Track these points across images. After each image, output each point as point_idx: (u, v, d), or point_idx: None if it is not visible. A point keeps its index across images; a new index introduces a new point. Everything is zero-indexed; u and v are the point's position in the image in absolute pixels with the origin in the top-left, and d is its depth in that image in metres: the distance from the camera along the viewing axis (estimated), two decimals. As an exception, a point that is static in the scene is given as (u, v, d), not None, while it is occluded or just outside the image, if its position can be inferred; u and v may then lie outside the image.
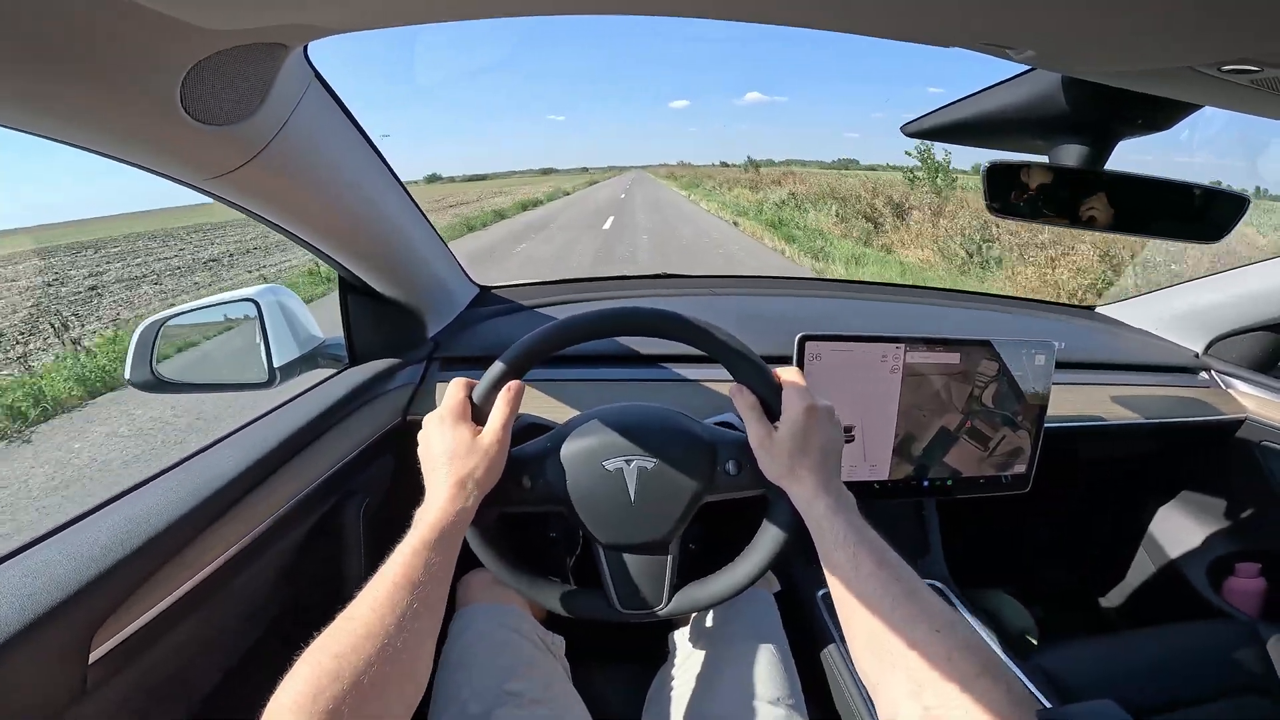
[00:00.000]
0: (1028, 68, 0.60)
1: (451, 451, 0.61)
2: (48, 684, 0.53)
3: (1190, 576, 1.29)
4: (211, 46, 0.45)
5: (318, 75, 0.64)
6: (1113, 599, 1.47)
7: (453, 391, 0.65)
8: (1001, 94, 0.66)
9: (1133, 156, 0.64)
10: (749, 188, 29.94)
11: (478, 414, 0.65)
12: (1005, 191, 0.64)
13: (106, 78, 0.44)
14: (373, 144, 0.82)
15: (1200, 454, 1.31)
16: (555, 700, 0.78)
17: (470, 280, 1.29)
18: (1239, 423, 1.19)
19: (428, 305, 1.09)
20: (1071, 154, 0.64)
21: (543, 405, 1.01)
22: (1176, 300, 1.35)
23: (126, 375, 0.95)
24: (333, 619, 0.50)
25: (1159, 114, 0.60)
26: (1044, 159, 0.66)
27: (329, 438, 0.89)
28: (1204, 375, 1.28)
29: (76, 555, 0.57)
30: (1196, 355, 1.31)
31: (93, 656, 0.56)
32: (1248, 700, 0.98)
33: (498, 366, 0.65)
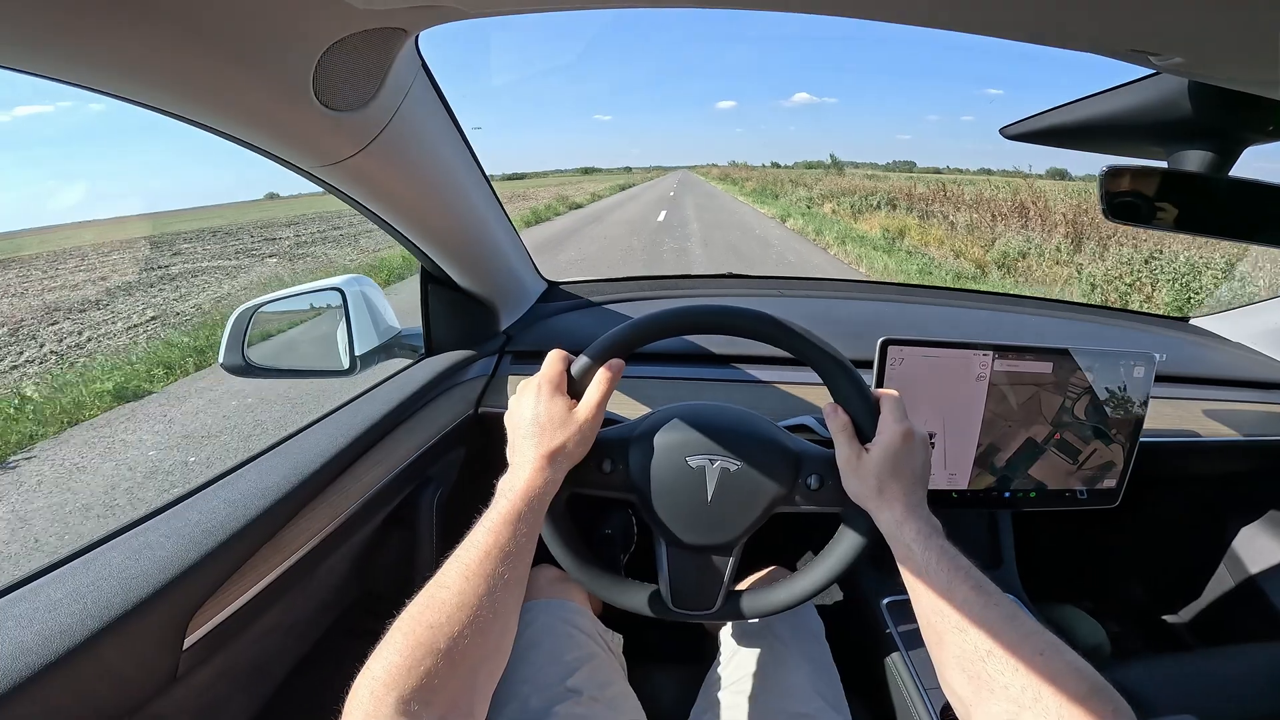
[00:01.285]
0: (1150, 71, 0.57)
1: (545, 421, 0.60)
2: (142, 670, 0.53)
3: (1272, 596, 1.23)
4: (348, 27, 0.46)
5: (424, 65, 0.65)
6: (1189, 616, 1.40)
7: (551, 362, 0.64)
8: (1118, 98, 0.63)
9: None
10: (911, 210, 15.83)
11: (573, 388, 0.64)
12: (1122, 196, 0.62)
13: (248, 57, 0.45)
14: (465, 137, 0.83)
15: None
16: (613, 699, 0.79)
17: (540, 275, 1.31)
18: None
19: (502, 298, 1.11)
20: (1194, 160, 0.61)
21: (613, 401, 1.01)
22: (1276, 314, 1.28)
23: (220, 360, 0.99)
24: (401, 610, 0.49)
25: (1293, 120, 0.57)
26: (1163, 164, 0.64)
27: (408, 426, 0.91)
28: None
29: (179, 536, 0.58)
30: None
31: (187, 643, 0.56)
32: None
33: (603, 341, 0.64)
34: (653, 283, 1.41)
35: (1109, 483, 0.91)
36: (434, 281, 1.01)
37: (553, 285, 1.34)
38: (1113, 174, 0.61)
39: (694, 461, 0.67)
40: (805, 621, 0.90)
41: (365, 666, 0.44)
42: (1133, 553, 1.49)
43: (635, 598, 0.71)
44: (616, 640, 0.91)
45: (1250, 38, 0.37)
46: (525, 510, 0.55)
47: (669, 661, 0.96)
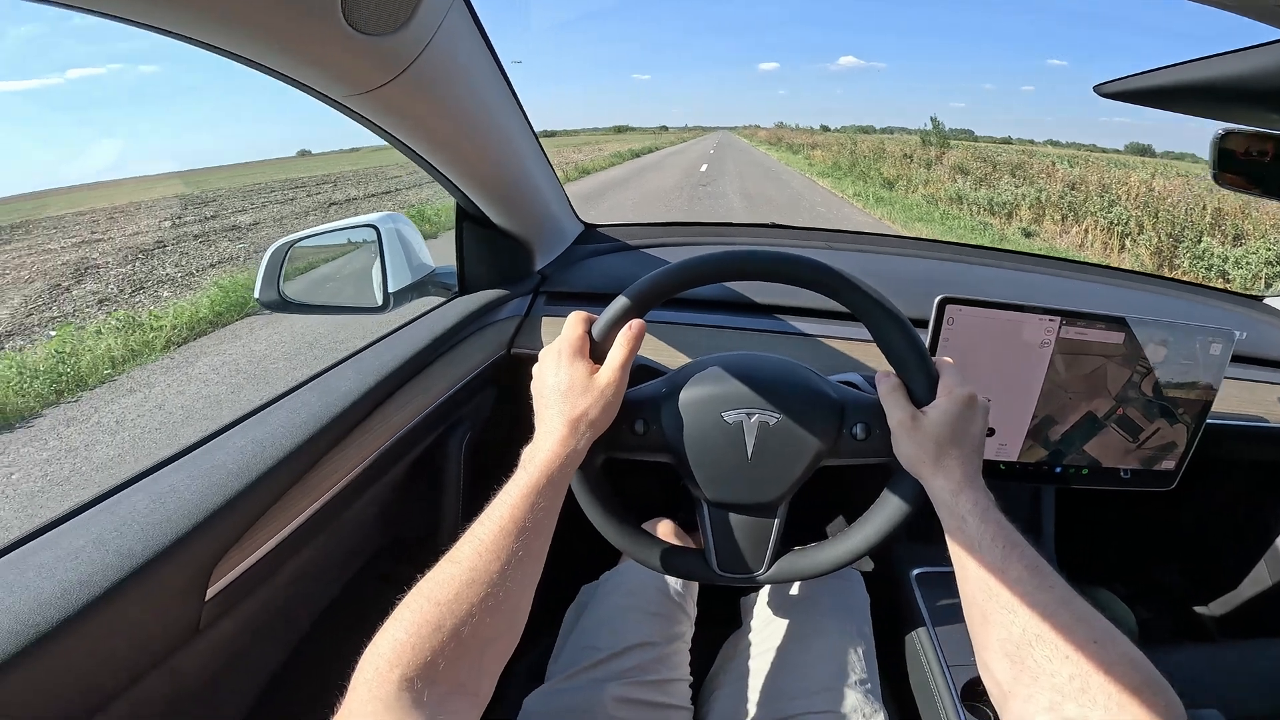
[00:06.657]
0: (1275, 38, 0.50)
1: (566, 388, 0.57)
2: (163, 622, 0.51)
3: None
4: None
5: None
6: (1221, 609, 1.35)
7: (571, 325, 0.61)
8: (1236, 62, 0.56)
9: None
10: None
11: (596, 351, 0.60)
12: (1235, 163, 0.55)
13: None
14: (503, 70, 0.78)
15: None
16: (670, 657, 0.79)
17: (577, 216, 1.27)
18: None
19: (538, 238, 1.07)
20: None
21: (652, 348, 0.97)
22: None
23: (256, 294, 0.98)
24: (428, 556, 0.48)
25: None
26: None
27: (438, 366, 0.88)
28: None
29: (204, 479, 0.55)
30: None
31: (210, 593, 0.54)
32: None
33: (621, 302, 0.60)
34: (691, 229, 1.35)
35: (1168, 464, 0.87)
36: (469, 219, 0.98)
37: (590, 228, 1.30)
38: (1227, 139, 0.54)
39: (730, 417, 0.63)
40: (851, 592, 0.87)
41: (372, 642, 0.43)
42: (1176, 538, 1.43)
43: (682, 563, 0.69)
44: (690, 596, 0.89)
45: None
46: (544, 484, 0.53)
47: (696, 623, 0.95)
